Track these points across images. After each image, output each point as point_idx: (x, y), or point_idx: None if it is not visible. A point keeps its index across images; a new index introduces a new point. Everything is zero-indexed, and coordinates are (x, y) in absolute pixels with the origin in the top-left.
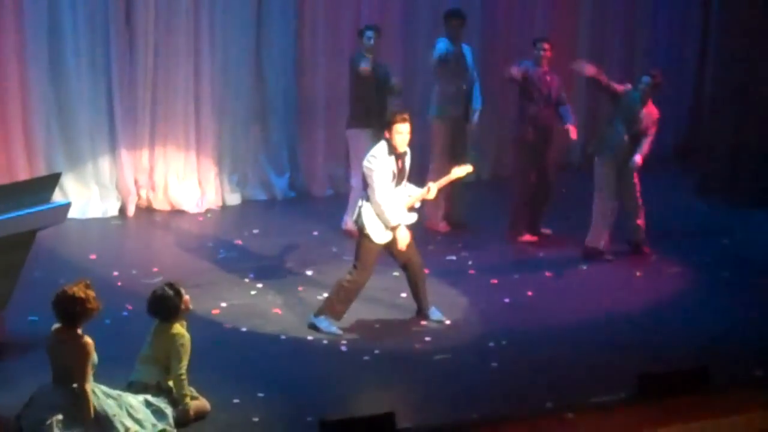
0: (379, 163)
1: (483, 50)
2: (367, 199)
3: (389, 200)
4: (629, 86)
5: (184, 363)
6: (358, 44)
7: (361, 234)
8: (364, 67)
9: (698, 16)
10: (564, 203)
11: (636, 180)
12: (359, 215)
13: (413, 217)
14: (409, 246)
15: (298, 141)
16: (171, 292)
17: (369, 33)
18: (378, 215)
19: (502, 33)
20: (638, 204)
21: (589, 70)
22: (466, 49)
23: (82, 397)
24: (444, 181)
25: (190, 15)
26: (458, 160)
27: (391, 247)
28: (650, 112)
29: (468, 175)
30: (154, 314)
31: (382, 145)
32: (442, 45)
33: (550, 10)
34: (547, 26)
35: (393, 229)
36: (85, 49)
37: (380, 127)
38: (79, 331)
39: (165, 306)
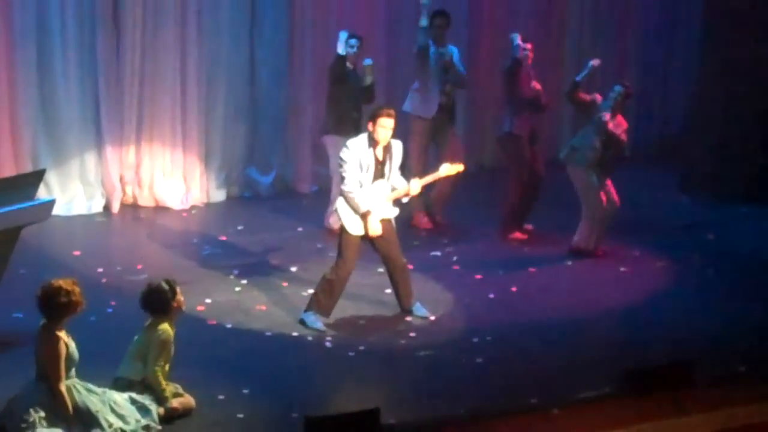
0: (351, 154)
1: (468, 49)
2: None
3: (358, 189)
4: (599, 98)
5: (161, 358)
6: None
7: (340, 227)
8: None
9: (688, 15)
10: (550, 200)
11: (609, 183)
12: (338, 209)
13: (395, 211)
14: (391, 243)
15: (286, 138)
16: (166, 287)
17: (352, 41)
18: (349, 204)
19: (487, 32)
20: (616, 205)
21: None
22: (453, 50)
23: (56, 395)
24: (430, 178)
25: (177, 13)
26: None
27: (372, 240)
28: (619, 123)
29: (458, 174)
30: (144, 307)
31: (362, 137)
32: (422, 39)
33: (535, 14)
34: (533, 25)
35: (363, 216)
36: (73, 46)
37: (356, 134)
38: (59, 330)
39: (154, 300)
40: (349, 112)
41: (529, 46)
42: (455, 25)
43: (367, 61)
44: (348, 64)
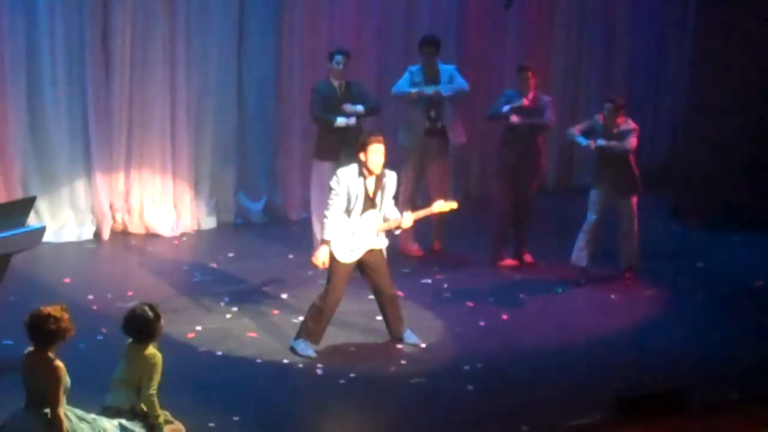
0: (340, 184)
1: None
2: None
3: (335, 219)
4: (597, 117)
5: (155, 383)
6: (328, 67)
7: (330, 254)
8: (340, 123)
9: (677, 41)
10: (541, 227)
11: (634, 208)
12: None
13: (384, 242)
14: (381, 274)
15: (275, 165)
16: (151, 315)
17: (338, 57)
18: (323, 226)
19: (476, 57)
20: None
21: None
22: (444, 69)
23: (54, 422)
24: (423, 213)
25: (166, 40)
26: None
27: (362, 269)
28: (625, 128)
29: (451, 211)
30: (128, 332)
31: (353, 167)
32: (405, 78)
33: (524, 36)
34: (521, 51)
35: (321, 241)
36: (62, 73)
37: (345, 159)
38: (51, 354)
39: (142, 327)
40: (336, 138)
41: (530, 73)
42: (445, 48)
43: (359, 108)
44: (333, 80)
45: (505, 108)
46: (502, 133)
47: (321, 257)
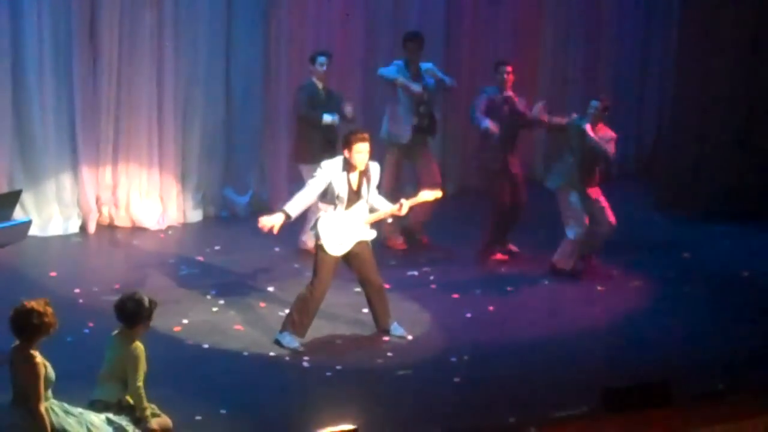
0: (323, 175)
1: (447, 68)
2: (323, 211)
3: (305, 198)
4: (574, 115)
5: (140, 374)
6: (311, 69)
7: (316, 245)
8: (330, 120)
9: (662, 35)
10: (529, 218)
11: (604, 203)
12: (314, 226)
13: (372, 233)
14: (368, 265)
15: (262, 158)
16: (147, 302)
17: (321, 59)
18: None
19: (465, 55)
20: (611, 225)
21: (542, 115)
22: (426, 67)
23: (36, 418)
24: (414, 201)
25: (153, 33)
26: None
27: (349, 261)
28: (604, 135)
29: (436, 200)
30: (121, 315)
31: (338, 160)
32: (392, 68)
33: (512, 32)
34: (510, 48)
35: (281, 211)
36: (48, 65)
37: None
38: (33, 350)
39: (135, 311)
40: (321, 137)
41: (509, 68)
42: (434, 45)
43: (348, 110)
44: (317, 82)
45: (484, 124)
46: (482, 134)
47: (269, 221)
